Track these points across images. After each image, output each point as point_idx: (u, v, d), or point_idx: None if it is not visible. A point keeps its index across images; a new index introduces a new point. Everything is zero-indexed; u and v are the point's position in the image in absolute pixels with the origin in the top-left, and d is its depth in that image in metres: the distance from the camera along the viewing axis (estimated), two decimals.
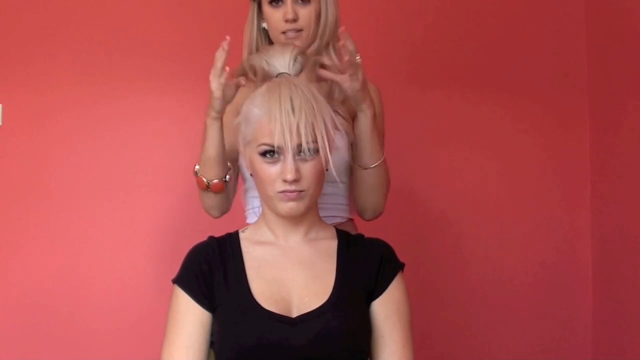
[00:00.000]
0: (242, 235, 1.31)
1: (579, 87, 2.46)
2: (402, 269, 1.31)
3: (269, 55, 1.30)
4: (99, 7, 2.37)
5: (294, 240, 1.29)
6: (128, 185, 2.33)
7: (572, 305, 2.41)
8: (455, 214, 2.41)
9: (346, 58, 1.35)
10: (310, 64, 1.36)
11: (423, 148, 2.42)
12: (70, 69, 2.34)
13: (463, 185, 2.42)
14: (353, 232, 1.43)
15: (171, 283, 1.27)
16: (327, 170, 1.22)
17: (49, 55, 2.34)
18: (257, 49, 1.57)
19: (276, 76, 1.28)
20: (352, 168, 1.51)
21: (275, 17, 1.53)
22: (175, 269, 1.28)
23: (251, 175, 1.26)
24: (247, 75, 1.31)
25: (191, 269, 1.26)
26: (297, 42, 1.49)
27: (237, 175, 1.57)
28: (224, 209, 1.54)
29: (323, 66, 1.39)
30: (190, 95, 2.31)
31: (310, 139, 1.17)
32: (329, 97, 1.43)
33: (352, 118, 1.49)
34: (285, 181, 1.18)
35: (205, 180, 1.44)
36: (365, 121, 1.44)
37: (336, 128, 1.23)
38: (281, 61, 1.28)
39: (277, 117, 1.16)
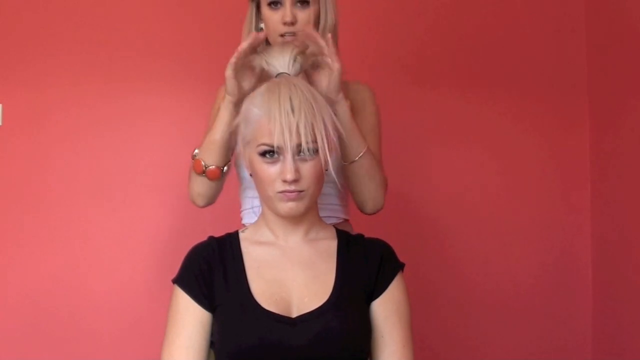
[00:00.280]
0: (242, 236, 1.31)
1: (579, 87, 2.45)
2: (402, 269, 1.30)
3: (268, 55, 1.30)
4: (99, 7, 2.37)
5: (294, 240, 1.29)
6: (128, 185, 2.33)
7: (572, 305, 2.41)
8: (455, 214, 2.41)
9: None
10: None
11: (423, 148, 2.42)
12: (70, 69, 2.34)
13: (463, 185, 2.42)
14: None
15: (171, 283, 1.27)
16: (326, 170, 1.22)
17: (49, 55, 2.34)
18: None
19: (276, 76, 1.28)
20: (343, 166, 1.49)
21: (273, 19, 1.51)
22: (175, 269, 1.28)
23: (251, 175, 1.26)
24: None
25: (191, 269, 1.26)
26: (296, 44, 1.48)
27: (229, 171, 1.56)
28: (211, 199, 1.51)
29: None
30: (190, 95, 2.32)
31: (309, 139, 1.17)
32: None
33: None
34: (285, 181, 1.18)
35: (203, 163, 1.43)
36: (345, 109, 1.39)
37: (336, 128, 1.23)
38: (281, 61, 1.28)
39: (276, 117, 1.16)
